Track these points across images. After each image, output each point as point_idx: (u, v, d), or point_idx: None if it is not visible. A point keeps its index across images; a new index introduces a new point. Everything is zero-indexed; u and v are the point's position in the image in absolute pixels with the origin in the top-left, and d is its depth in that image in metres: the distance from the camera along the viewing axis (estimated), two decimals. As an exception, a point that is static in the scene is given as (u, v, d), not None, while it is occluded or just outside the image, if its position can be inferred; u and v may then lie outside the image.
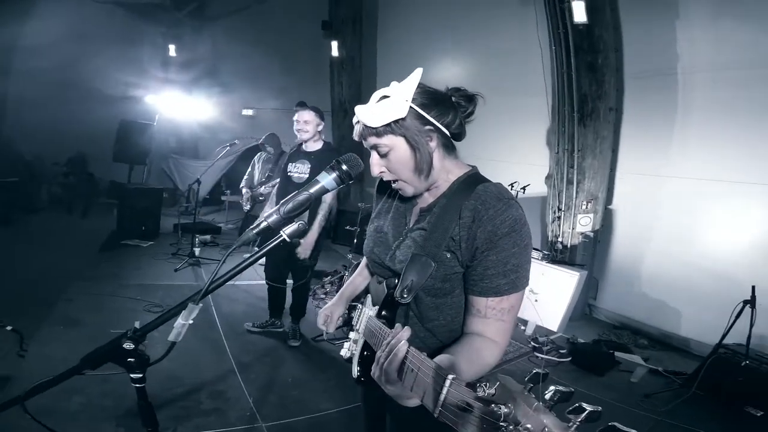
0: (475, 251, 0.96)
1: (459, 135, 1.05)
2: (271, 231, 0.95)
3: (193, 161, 8.00)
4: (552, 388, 0.50)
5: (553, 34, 3.96)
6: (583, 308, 4.36)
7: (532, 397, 0.51)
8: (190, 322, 0.90)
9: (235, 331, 3.32)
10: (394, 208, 1.18)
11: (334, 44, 5.96)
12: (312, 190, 0.98)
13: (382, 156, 1.00)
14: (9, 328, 2.54)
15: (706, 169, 3.67)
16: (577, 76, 3.82)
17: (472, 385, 0.58)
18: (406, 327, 0.85)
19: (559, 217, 4.41)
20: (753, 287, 2.99)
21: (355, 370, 1.20)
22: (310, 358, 3.10)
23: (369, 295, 1.26)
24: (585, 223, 4.32)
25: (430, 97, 0.99)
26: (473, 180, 1.04)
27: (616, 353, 3.49)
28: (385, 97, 0.98)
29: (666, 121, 3.88)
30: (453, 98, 1.03)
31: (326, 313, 1.30)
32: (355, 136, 1.03)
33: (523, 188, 4.34)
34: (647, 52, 3.93)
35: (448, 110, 1.00)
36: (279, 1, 6.95)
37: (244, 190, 4.62)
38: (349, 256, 4.56)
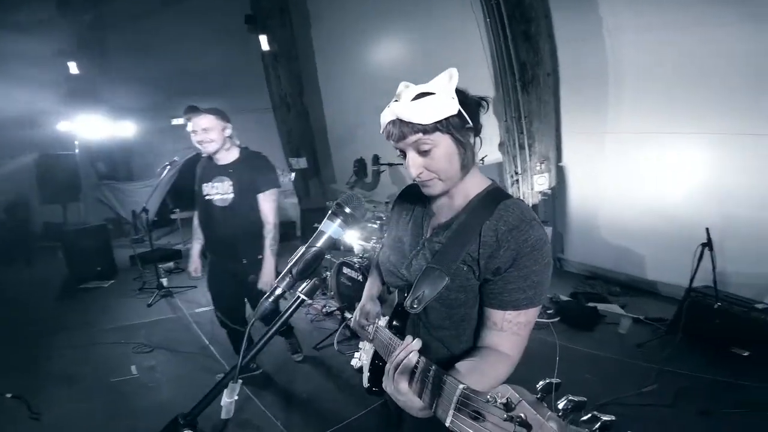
0: (497, 269, 0.98)
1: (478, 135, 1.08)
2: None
3: (129, 184, 7.60)
4: (565, 397, 0.52)
5: (486, 5, 4.19)
6: (554, 263, 4.83)
7: (545, 406, 0.52)
8: (236, 398, 0.93)
9: (236, 359, 3.38)
10: (413, 219, 1.20)
11: (263, 38, 5.84)
12: (319, 245, 0.98)
13: (423, 153, 0.99)
14: (9, 395, 2.51)
15: (643, 123, 4.06)
16: (514, 45, 4.11)
17: (483, 395, 0.60)
18: (416, 339, 0.88)
19: (517, 180, 4.79)
20: (707, 229, 3.28)
21: (366, 380, 1.25)
22: (317, 369, 3.21)
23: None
24: (541, 182, 4.72)
25: (464, 98, 1.00)
26: (494, 196, 1.05)
27: (599, 306, 3.82)
28: (425, 94, 0.96)
29: (600, 82, 4.21)
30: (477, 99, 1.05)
31: (366, 310, 1.30)
32: (390, 137, 1.01)
33: (482, 159, 4.64)
34: (574, 17, 4.22)
35: (477, 112, 1.03)
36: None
37: None
38: (328, 256, 4.68)
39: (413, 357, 0.84)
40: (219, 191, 2.49)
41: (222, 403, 0.92)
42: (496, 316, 1.00)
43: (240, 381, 0.92)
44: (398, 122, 0.97)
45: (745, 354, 3.15)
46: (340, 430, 2.53)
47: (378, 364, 1.18)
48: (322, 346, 3.48)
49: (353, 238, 4.40)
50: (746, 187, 3.73)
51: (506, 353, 0.98)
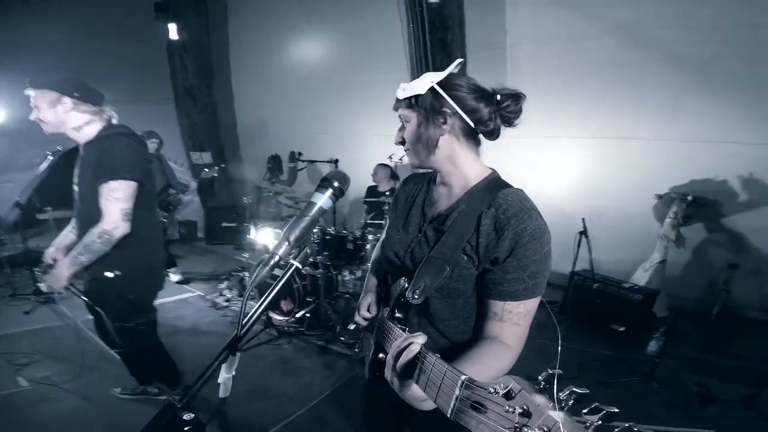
0: (496, 259, 1.00)
1: (490, 132, 1.11)
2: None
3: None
4: (567, 388, 0.52)
5: (410, 11, 4.49)
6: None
7: (547, 397, 0.53)
8: (233, 373, 0.91)
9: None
10: (414, 207, 1.23)
11: (173, 27, 5.49)
12: (312, 213, 1.01)
13: (402, 126, 1.13)
14: None
15: (533, 127, 4.72)
16: (432, 52, 4.47)
17: (485, 386, 0.61)
18: (419, 333, 0.89)
19: (430, 180, 5.20)
20: (583, 219, 4.08)
21: (367, 372, 1.29)
22: (249, 368, 3.13)
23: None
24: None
25: (458, 84, 1.06)
26: (493, 185, 1.08)
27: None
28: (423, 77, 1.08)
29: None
30: (497, 95, 1.07)
31: (367, 301, 1.35)
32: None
33: (401, 159, 4.93)
34: (483, 28, 4.74)
35: (474, 99, 1.06)
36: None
37: None
38: (246, 255, 4.52)
39: (414, 348, 0.84)
40: (75, 181, 2.06)
41: (220, 380, 0.90)
42: (495, 306, 1.02)
43: (239, 354, 0.91)
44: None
45: (622, 329, 3.88)
46: (281, 429, 2.54)
47: (379, 356, 1.19)
48: (249, 347, 3.40)
49: (267, 239, 4.38)
50: (612, 183, 4.61)
51: (507, 344, 1.00)
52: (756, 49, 3.72)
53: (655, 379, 3.06)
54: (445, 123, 1.06)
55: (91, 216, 1.93)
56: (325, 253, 3.77)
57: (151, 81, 6.21)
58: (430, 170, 1.21)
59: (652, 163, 4.43)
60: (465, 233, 1.03)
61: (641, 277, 4.31)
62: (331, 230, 3.90)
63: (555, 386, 0.53)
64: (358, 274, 4.17)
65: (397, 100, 1.11)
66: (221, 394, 0.90)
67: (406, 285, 1.09)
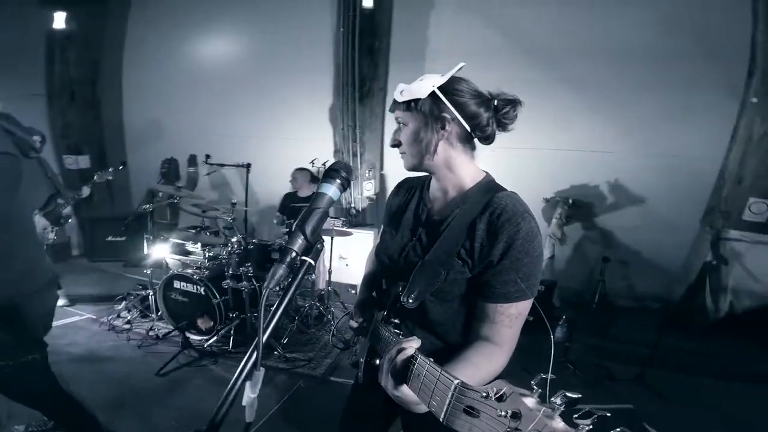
0: (490, 262, 1.02)
1: (486, 137, 1.14)
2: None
3: None
4: (560, 393, 0.53)
5: (342, 16, 4.56)
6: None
7: (539, 401, 0.54)
8: (258, 392, 0.81)
9: None
10: (407, 211, 1.25)
11: (60, 15, 4.74)
12: (323, 205, 0.95)
13: (398, 128, 1.14)
14: None
15: None
16: (359, 58, 4.60)
17: (478, 390, 0.62)
18: (413, 337, 0.91)
19: (349, 186, 5.29)
20: None
21: (361, 375, 1.27)
22: (174, 394, 2.92)
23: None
24: (369, 188, 5.34)
25: (459, 89, 1.09)
26: (488, 189, 1.12)
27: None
28: (422, 79, 1.10)
29: None
30: (494, 100, 1.11)
31: (362, 306, 1.39)
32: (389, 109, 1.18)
33: (324, 164, 4.93)
34: (407, 38, 4.99)
35: (473, 105, 1.08)
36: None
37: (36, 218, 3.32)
38: (147, 272, 4.05)
39: (409, 352, 0.85)
40: None
41: (244, 402, 0.80)
42: (488, 308, 1.04)
43: (263, 369, 0.81)
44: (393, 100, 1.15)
45: (531, 319, 4.40)
46: None
47: (373, 360, 1.19)
48: (166, 371, 3.14)
49: (166, 253, 4.07)
50: (521, 188, 5.20)
51: (499, 346, 1.03)
52: (620, 74, 4.53)
53: (569, 363, 3.47)
54: (443, 128, 1.08)
55: None
56: (248, 264, 3.60)
57: (19, 74, 5.31)
58: (424, 174, 1.24)
59: (540, 170, 5.07)
60: (460, 237, 1.05)
61: (536, 272, 4.95)
62: (254, 240, 3.75)
63: (547, 390, 0.55)
64: (285, 284, 4.05)
65: (395, 102, 1.13)
66: (248, 418, 0.80)
67: (401, 289, 1.11)
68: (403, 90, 1.10)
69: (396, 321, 1.15)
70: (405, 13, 5.00)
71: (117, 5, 5.86)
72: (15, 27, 4.93)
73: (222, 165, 4.93)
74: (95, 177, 3.62)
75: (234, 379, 0.80)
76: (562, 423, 0.50)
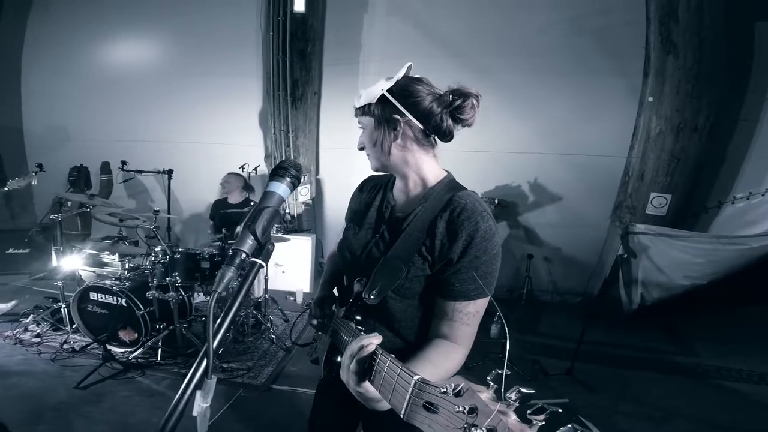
0: (450, 260, 1.06)
1: (442, 134, 1.15)
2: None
3: None
4: (514, 389, 0.55)
5: (272, 20, 4.57)
6: (317, 268, 5.51)
7: (495, 397, 0.56)
8: (209, 402, 0.78)
9: None
10: (371, 208, 1.28)
11: None
12: (273, 203, 0.93)
13: (362, 132, 1.20)
14: None
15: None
16: (291, 61, 4.63)
17: (437, 387, 0.64)
18: (375, 333, 0.92)
19: (283, 192, 5.28)
20: None
21: (323, 372, 1.31)
22: (99, 407, 2.78)
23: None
24: (304, 193, 5.37)
25: (408, 90, 1.11)
26: (449, 188, 1.15)
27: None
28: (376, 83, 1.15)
29: (349, 104, 5.25)
30: (449, 96, 1.12)
31: (322, 302, 1.39)
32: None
33: (255, 169, 4.90)
34: (341, 42, 5.10)
35: (427, 103, 1.11)
36: None
37: None
38: (59, 283, 3.79)
39: (370, 348, 0.87)
40: None
41: (195, 412, 0.77)
42: (446, 306, 1.07)
43: (214, 378, 0.78)
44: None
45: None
46: None
47: (335, 356, 1.22)
48: (87, 384, 2.98)
49: (78, 265, 3.87)
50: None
51: (456, 343, 1.07)
52: (539, 75, 4.92)
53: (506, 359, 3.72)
54: (395, 129, 1.12)
55: None
56: (175, 273, 3.50)
57: None
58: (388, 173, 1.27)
59: (466, 171, 5.23)
60: (421, 235, 1.08)
61: (466, 271, 5.24)
62: (181, 248, 3.65)
63: (503, 386, 0.57)
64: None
65: (354, 107, 1.19)
66: (200, 429, 0.78)
67: (363, 285, 1.14)
68: (361, 95, 1.16)
69: (357, 317, 1.17)
70: (338, 17, 5.12)
71: (12, 7, 5.47)
72: None
73: (140, 171, 4.70)
74: (7, 185, 3.33)
75: (182, 388, 0.75)
76: (517, 418, 0.52)
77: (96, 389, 2.94)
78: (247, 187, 4.60)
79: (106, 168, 5.48)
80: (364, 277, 1.15)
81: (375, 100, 1.12)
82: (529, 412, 0.52)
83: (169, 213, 4.77)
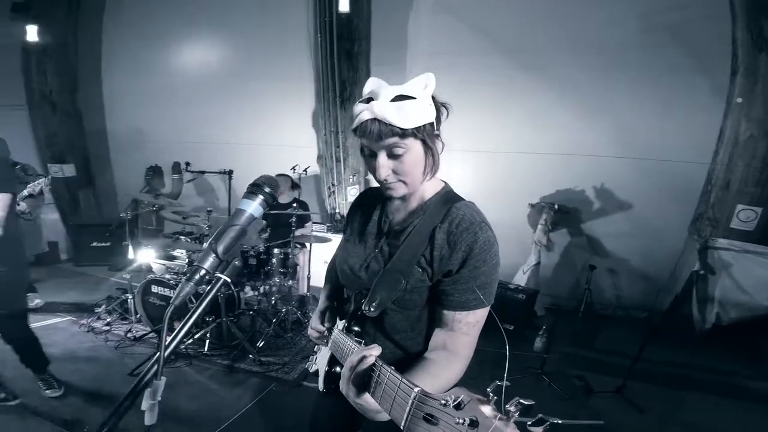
0: (449, 272, 1.08)
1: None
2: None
3: None
4: (514, 400, 0.56)
5: (319, 21, 4.74)
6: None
7: (495, 408, 0.57)
8: (159, 399, 0.87)
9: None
10: (370, 223, 1.29)
11: (32, 28, 4.98)
12: (241, 222, 0.96)
13: (394, 157, 1.06)
14: None
15: None
16: (338, 62, 4.77)
17: (437, 398, 0.64)
18: (374, 345, 0.93)
19: (333, 192, 5.46)
20: None
21: (321, 384, 1.32)
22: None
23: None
24: (353, 193, 5.50)
25: (437, 104, 1.11)
26: (447, 199, 1.16)
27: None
28: (405, 97, 1.02)
29: None
30: (443, 106, 1.15)
31: (322, 315, 1.43)
32: (365, 135, 1.05)
33: (305, 170, 5.13)
34: (387, 41, 5.15)
35: (440, 116, 1.13)
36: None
37: None
38: (127, 276, 4.26)
39: (370, 360, 0.88)
40: None
41: (143, 407, 0.86)
42: (446, 316, 1.09)
43: (164, 379, 0.86)
44: (378, 122, 1.01)
45: (511, 328, 4.46)
46: None
47: (335, 368, 1.24)
48: (140, 371, 3.27)
49: (151, 258, 4.25)
50: (490, 193, 5.31)
51: (457, 354, 1.07)
52: (605, 73, 4.62)
53: (545, 374, 3.50)
54: (438, 144, 1.12)
55: None
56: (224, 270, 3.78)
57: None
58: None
59: (525, 174, 5.18)
60: (420, 246, 1.10)
61: (521, 279, 5.02)
62: (229, 246, 3.91)
63: (503, 398, 0.57)
64: (262, 290, 4.22)
65: (391, 127, 1.01)
66: (147, 421, 0.86)
67: (362, 298, 1.15)
68: (402, 114, 1.00)
69: (357, 329, 1.19)
70: (383, 16, 5.15)
71: (88, 15, 6.07)
72: None
73: (203, 172, 5.11)
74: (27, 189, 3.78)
75: (133, 386, 0.86)
76: (516, 430, 0.53)
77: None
78: (294, 186, 4.82)
79: (176, 168, 6.02)
80: (364, 289, 1.16)
81: (433, 119, 1.06)
82: (528, 423, 0.54)
83: (229, 212, 5.13)
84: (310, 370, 1.45)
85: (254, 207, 0.99)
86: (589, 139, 4.87)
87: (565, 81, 4.79)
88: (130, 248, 4.31)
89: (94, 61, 6.37)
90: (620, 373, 3.43)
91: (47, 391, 2.95)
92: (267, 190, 1.00)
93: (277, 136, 5.75)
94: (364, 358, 0.89)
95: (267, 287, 4.16)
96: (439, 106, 1.11)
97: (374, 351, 0.90)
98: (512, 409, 0.55)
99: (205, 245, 0.96)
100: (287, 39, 5.41)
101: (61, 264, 6.14)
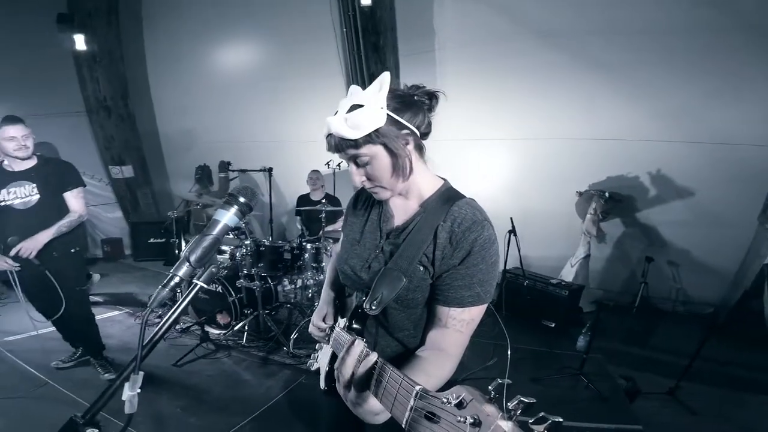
0: (451, 268, 1.08)
1: (427, 134, 1.16)
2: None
3: None
4: (515, 398, 0.56)
5: (343, 16, 4.79)
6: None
7: (496, 407, 0.57)
8: (138, 391, 0.94)
9: (73, 380, 3.24)
10: (369, 222, 1.29)
11: (79, 38, 5.44)
12: (215, 232, 1.03)
13: (362, 165, 1.09)
14: None
15: (461, 131, 5.07)
16: (365, 55, 4.79)
17: (439, 396, 0.64)
18: (374, 352, 0.91)
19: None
20: (511, 219, 4.53)
21: (323, 382, 1.34)
22: (182, 385, 3.26)
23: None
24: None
25: (401, 101, 1.08)
26: (447, 197, 1.16)
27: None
28: (356, 106, 1.03)
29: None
30: (416, 97, 1.12)
31: (322, 313, 1.43)
32: (330, 149, 1.10)
33: (338, 165, 5.20)
34: (413, 32, 5.11)
35: (417, 111, 1.10)
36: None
37: None
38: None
39: (372, 358, 0.88)
40: (18, 195, 2.89)
41: (124, 397, 0.93)
42: (441, 312, 1.09)
43: (142, 372, 0.94)
44: (333, 137, 1.06)
45: (552, 325, 4.35)
46: None
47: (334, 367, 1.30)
48: (184, 362, 3.54)
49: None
50: (536, 182, 5.15)
51: (448, 352, 1.07)
52: (659, 55, 4.31)
53: (583, 375, 3.34)
54: (408, 144, 1.10)
55: (49, 214, 2.93)
56: (260, 264, 3.95)
57: (61, 93, 6.12)
58: None
59: (571, 161, 4.96)
60: (421, 245, 1.10)
61: (569, 273, 4.84)
62: (265, 241, 4.09)
63: (504, 396, 0.58)
64: (299, 283, 4.37)
65: (345, 140, 1.04)
66: (127, 410, 0.93)
67: (364, 296, 1.16)
68: (351, 125, 1.03)
69: (358, 327, 1.20)
70: (406, 7, 5.09)
71: (128, 23, 6.44)
72: (47, 47, 5.64)
73: (244, 171, 5.34)
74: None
75: (117, 377, 0.97)
76: (517, 428, 0.54)
77: (189, 367, 3.49)
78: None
79: (223, 166, 6.34)
80: (366, 288, 1.18)
81: (383, 123, 1.03)
82: (530, 421, 0.53)
83: (270, 207, 5.35)
84: (312, 369, 1.47)
85: (229, 217, 1.05)
86: (641, 123, 4.59)
87: (608, 65, 4.53)
88: (182, 244, 4.62)
89: (141, 67, 6.80)
90: (674, 374, 3.26)
91: (105, 375, 3.27)
92: (242, 200, 1.06)
93: (311, 132, 5.85)
94: (365, 358, 0.89)
95: (301, 281, 4.30)
96: (409, 101, 1.09)
97: (371, 357, 0.89)
98: (513, 406, 0.56)
99: (182, 253, 1.04)
100: (316, 35, 5.48)
101: (124, 259, 6.71)
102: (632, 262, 5.03)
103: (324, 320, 1.40)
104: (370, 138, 1.03)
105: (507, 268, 4.70)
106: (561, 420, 0.52)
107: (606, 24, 4.42)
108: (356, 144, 1.04)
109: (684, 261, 4.81)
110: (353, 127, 1.02)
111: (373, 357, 0.88)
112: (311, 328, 1.42)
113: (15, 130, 2.78)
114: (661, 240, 4.85)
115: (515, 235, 4.53)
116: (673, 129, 4.47)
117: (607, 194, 4.74)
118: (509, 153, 5.25)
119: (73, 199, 3.04)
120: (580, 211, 5.01)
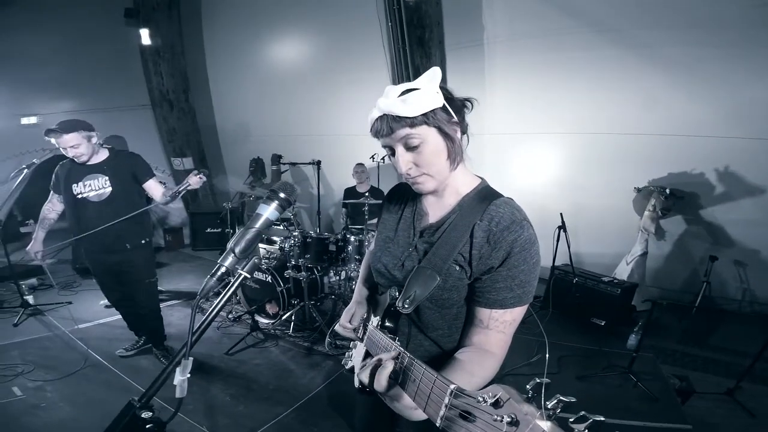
0: (489, 269, 1.08)
1: (465, 133, 1.16)
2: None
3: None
4: (554, 397, 0.56)
5: (388, 10, 4.90)
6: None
7: (534, 406, 0.56)
8: (188, 375, 1.01)
9: (134, 368, 3.51)
10: (402, 219, 1.30)
11: (145, 32, 5.88)
12: (258, 225, 1.10)
13: (412, 149, 1.07)
14: None
15: (510, 125, 5.10)
16: (410, 49, 4.89)
17: (473, 395, 0.64)
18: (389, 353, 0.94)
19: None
20: (561, 214, 4.50)
21: (357, 381, 1.29)
22: (234, 374, 3.48)
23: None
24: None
25: (449, 95, 1.10)
26: (484, 195, 1.15)
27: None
28: (410, 90, 1.05)
29: (477, 87, 5.18)
30: (467, 100, 1.15)
31: (353, 311, 1.42)
32: (378, 134, 1.09)
33: (383, 158, 5.35)
34: (461, 25, 5.13)
35: (462, 110, 1.12)
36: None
37: None
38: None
39: (388, 364, 0.90)
40: (93, 188, 3.05)
41: (175, 382, 1.00)
42: (482, 314, 1.09)
43: (191, 358, 1.01)
44: (386, 117, 1.05)
45: (602, 323, 4.28)
46: (272, 427, 2.83)
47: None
48: (235, 351, 3.79)
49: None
50: (591, 177, 5.05)
51: (491, 352, 1.08)
52: (725, 49, 4.12)
53: (632, 373, 3.31)
54: (457, 133, 1.11)
55: (121, 204, 3.09)
56: (307, 255, 4.15)
57: (126, 87, 6.62)
58: None
59: (629, 156, 4.83)
60: (457, 244, 1.10)
61: (624, 270, 4.72)
62: (312, 233, 4.29)
63: (543, 395, 0.57)
64: (343, 275, 4.55)
65: (399, 118, 1.04)
66: (177, 394, 0.99)
67: (397, 294, 1.17)
68: (408, 104, 1.03)
69: (390, 325, 1.20)
70: (454, 1, 5.11)
71: (189, 17, 6.81)
72: (114, 43, 6.08)
73: (294, 164, 5.59)
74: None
75: (169, 362, 1.05)
76: (557, 427, 0.53)
77: (240, 356, 3.73)
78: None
79: (275, 159, 6.67)
80: (399, 286, 1.19)
81: (440, 105, 1.05)
82: (570, 420, 0.53)
83: (318, 200, 5.59)
84: (346, 367, 1.46)
85: (270, 211, 1.13)
86: (707, 119, 4.41)
87: (671, 60, 4.39)
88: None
89: (200, 62, 7.23)
90: (735, 375, 3.20)
91: (165, 363, 3.40)
92: (282, 195, 1.13)
93: (357, 126, 6.01)
94: (375, 363, 0.93)
95: (345, 272, 4.48)
96: (453, 96, 1.12)
97: (389, 364, 0.91)
98: (552, 405, 0.55)
99: (228, 245, 1.15)
100: (362, 28, 5.61)
101: (184, 249, 7.22)
102: (694, 261, 4.83)
103: (350, 321, 1.40)
104: (427, 118, 1.04)
105: (556, 264, 4.67)
106: (603, 419, 0.52)
107: (672, 20, 4.27)
108: (411, 123, 1.04)
109: (752, 261, 4.57)
110: (410, 106, 1.02)
111: (390, 364, 0.91)
112: (338, 328, 1.43)
113: (63, 141, 2.84)
114: (728, 239, 4.62)
115: (565, 231, 4.49)
116: (744, 125, 4.25)
117: (668, 191, 4.57)
118: (562, 147, 5.19)
119: (156, 185, 3.23)
120: (638, 207, 4.86)
